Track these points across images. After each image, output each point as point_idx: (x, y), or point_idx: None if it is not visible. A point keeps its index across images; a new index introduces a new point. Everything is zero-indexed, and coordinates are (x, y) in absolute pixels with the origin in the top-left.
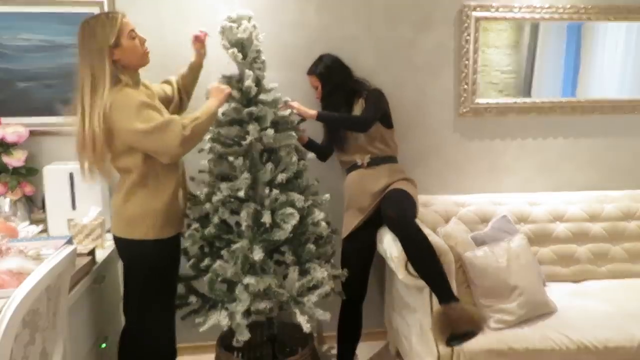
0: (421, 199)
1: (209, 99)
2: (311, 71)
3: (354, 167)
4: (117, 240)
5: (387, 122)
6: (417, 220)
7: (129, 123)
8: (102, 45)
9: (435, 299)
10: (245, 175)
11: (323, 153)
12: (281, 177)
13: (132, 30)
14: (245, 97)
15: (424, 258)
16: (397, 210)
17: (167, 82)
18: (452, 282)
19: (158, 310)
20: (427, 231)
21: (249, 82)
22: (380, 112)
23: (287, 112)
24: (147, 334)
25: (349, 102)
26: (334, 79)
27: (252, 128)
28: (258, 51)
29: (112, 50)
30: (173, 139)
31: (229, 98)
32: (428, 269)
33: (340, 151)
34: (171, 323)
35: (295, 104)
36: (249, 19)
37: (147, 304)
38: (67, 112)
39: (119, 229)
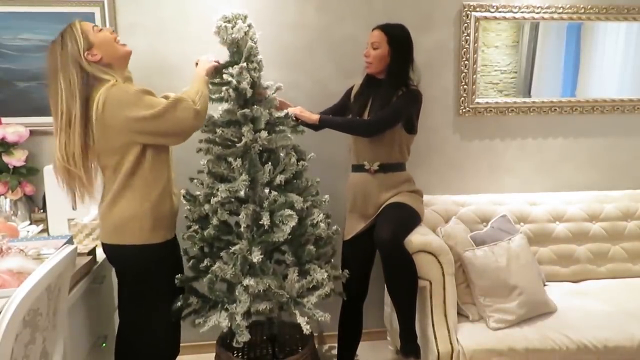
0: None
1: (197, 71)
2: (384, 28)
3: (360, 168)
4: (106, 248)
5: (410, 127)
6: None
7: (131, 112)
8: (77, 51)
9: (434, 300)
10: (244, 176)
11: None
12: (280, 178)
13: (95, 26)
14: (242, 98)
15: (402, 286)
16: (389, 233)
17: (165, 97)
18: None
19: (152, 315)
20: (425, 231)
21: (244, 84)
22: (399, 119)
23: (283, 113)
24: (141, 338)
25: (394, 86)
26: (404, 52)
27: (246, 130)
28: (253, 50)
29: (89, 52)
30: (187, 116)
31: (215, 70)
32: (403, 297)
33: (354, 142)
34: (168, 327)
35: (297, 109)
36: (245, 18)
37: (140, 309)
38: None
39: (106, 236)
